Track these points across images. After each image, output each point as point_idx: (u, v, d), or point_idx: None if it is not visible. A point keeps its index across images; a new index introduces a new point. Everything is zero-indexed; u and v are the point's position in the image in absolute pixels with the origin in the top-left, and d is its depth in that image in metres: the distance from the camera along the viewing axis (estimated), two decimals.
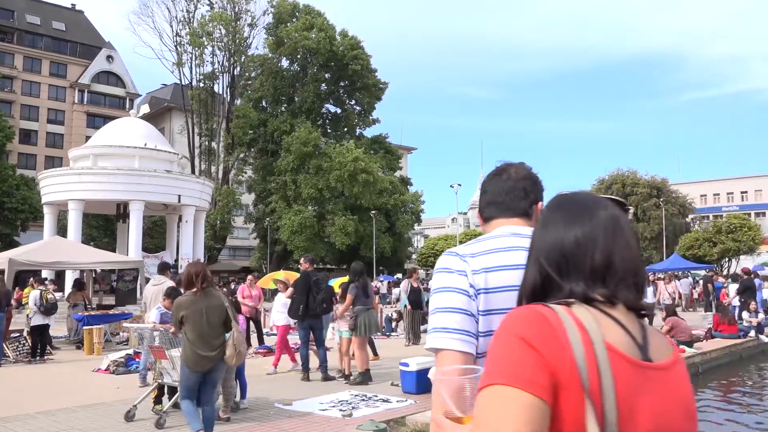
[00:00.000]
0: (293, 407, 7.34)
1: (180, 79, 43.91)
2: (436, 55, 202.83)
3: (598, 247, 1.06)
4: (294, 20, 44.66)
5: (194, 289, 5.54)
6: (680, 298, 21.09)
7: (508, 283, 1.57)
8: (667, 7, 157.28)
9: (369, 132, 50.11)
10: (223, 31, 42.49)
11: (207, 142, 43.94)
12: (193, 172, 38.73)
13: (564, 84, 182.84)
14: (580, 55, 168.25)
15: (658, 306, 19.71)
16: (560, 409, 0.92)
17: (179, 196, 25.32)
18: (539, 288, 1.08)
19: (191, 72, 43.41)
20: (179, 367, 5.86)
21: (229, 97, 44.61)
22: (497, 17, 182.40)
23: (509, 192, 1.84)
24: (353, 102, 48.47)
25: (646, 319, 1.09)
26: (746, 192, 77.38)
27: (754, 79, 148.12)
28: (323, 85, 46.67)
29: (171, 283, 9.70)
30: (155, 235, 38.19)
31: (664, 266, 35.57)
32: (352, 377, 9.16)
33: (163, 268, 11.15)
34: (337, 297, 9.92)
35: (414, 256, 60.14)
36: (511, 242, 1.70)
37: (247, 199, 50.39)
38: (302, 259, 10.00)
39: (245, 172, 46.99)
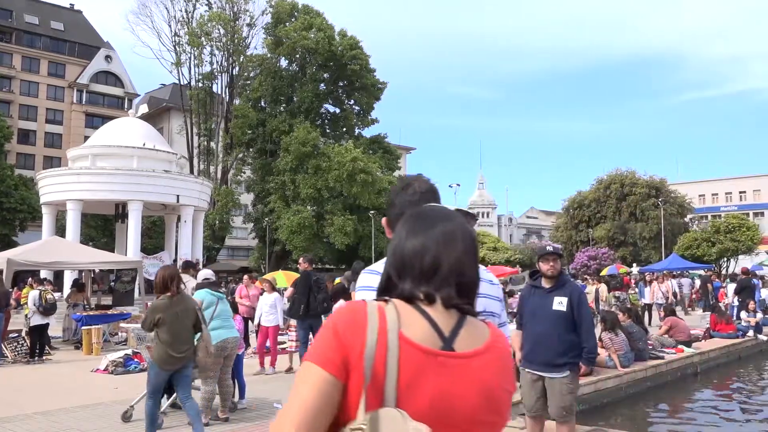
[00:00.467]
0: (281, 407, 7.33)
1: (179, 79, 43.89)
2: (435, 55, 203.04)
3: (428, 254, 1.26)
4: (293, 20, 44.64)
5: (169, 293, 5.74)
6: (675, 297, 20.87)
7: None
8: (667, 7, 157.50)
9: (368, 132, 50.14)
10: (222, 31, 42.47)
11: (206, 142, 43.94)
12: (191, 172, 38.72)
13: (563, 84, 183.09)
14: (579, 55, 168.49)
15: (651, 304, 19.64)
16: (350, 384, 1.12)
17: (178, 196, 25.29)
18: (384, 288, 1.31)
19: (190, 72, 43.42)
20: None
21: (227, 97, 44.60)
22: (496, 17, 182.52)
23: (414, 204, 2.02)
24: (352, 102, 48.45)
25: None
26: (745, 192, 77.50)
27: (753, 79, 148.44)
28: (322, 85, 46.65)
29: (194, 282, 9.45)
30: (154, 236, 38.16)
31: (662, 266, 35.58)
32: None
33: (187, 267, 11.09)
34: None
35: None
36: None
37: (246, 199, 50.38)
38: (301, 259, 10.02)
39: (244, 172, 46.98)
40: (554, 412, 5.07)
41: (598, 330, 10.72)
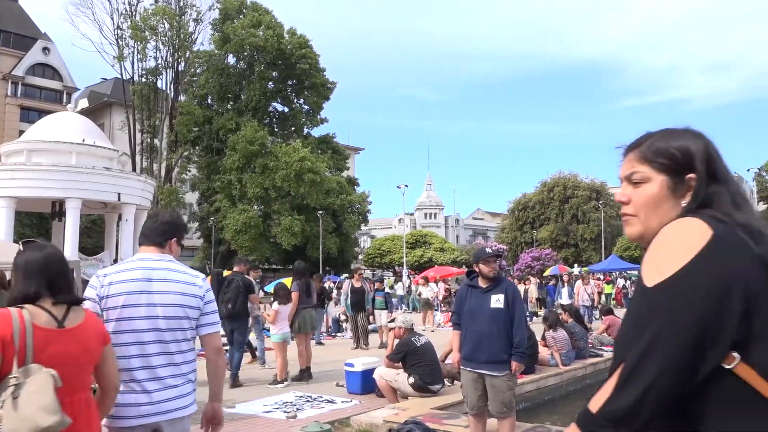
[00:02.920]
0: (236, 410, 7.23)
1: (121, 74, 42.63)
2: (385, 56, 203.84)
3: (36, 268, 2.32)
4: (241, 17, 43.99)
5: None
6: (599, 298, 20.78)
7: (123, 289, 2.67)
8: (609, 16, 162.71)
9: (316, 132, 49.92)
10: (167, 26, 41.43)
11: (149, 139, 42.77)
12: (134, 169, 37.66)
13: (511, 88, 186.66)
14: (526, 61, 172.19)
15: (567, 306, 19.05)
16: (6, 355, 2.11)
17: (119, 194, 24.54)
18: (24, 294, 2.30)
19: (133, 66, 42.21)
20: None
21: (172, 93, 43.55)
22: (447, 21, 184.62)
23: (153, 230, 2.89)
24: (301, 101, 48.13)
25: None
26: None
27: (686, 87, 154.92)
28: (270, 83, 46.16)
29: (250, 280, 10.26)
30: (93, 235, 36.95)
31: (602, 267, 36.73)
32: (292, 375, 9.14)
33: (239, 263, 11.42)
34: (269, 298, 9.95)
35: (360, 257, 60.19)
36: (135, 264, 2.80)
37: (191, 197, 49.35)
38: (235, 261, 9.99)
39: (189, 171, 46.00)
40: (494, 408, 5.18)
41: (537, 329, 10.98)
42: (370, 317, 14.46)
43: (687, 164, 1.30)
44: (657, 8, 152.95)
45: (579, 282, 18.09)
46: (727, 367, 1.15)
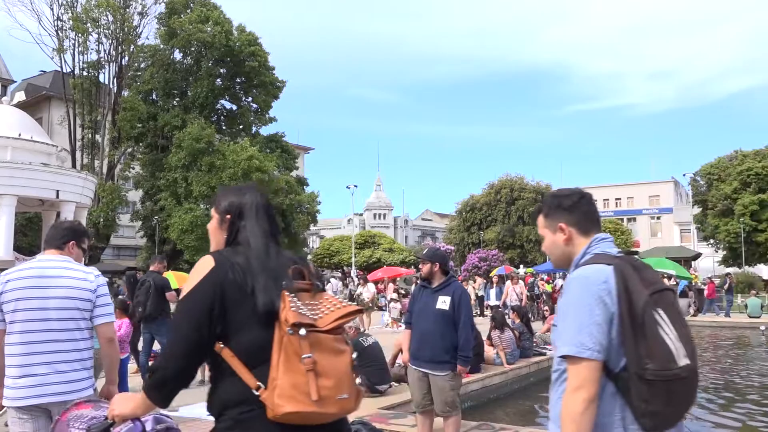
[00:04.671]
0: (179, 413, 7.08)
1: (61, 67, 40.98)
2: (336, 56, 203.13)
3: None
4: (188, 11, 43.06)
5: None
6: (526, 299, 20.93)
7: (18, 285, 3.12)
8: (556, 23, 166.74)
9: (265, 130, 49.31)
10: (111, 18, 40.13)
11: (90, 135, 41.29)
12: (74, 166, 36.35)
13: (460, 90, 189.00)
14: (476, 64, 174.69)
15: (504, 308, 18.40)
16: None
17: (57, 191, 23.64)
18: None
19: (74, 59, 40.64)
20: None
21: (115, 88, 42.19)
22: (397, 23, 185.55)
23: (54, 235, 3.42)
24: (249, 99, 47.44)
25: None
26: (620, 199, 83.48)
27: (628, 94, 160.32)
28: (218, 80, 45.34)
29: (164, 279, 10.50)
30: (29, 233, 35.49)
31: (546, 267, 37.60)
32: None
33: (154, 261, 11.35)
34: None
35: (309, 257, 59.85)
36: (31, 265, 3.27)
37: (134, 195, 47.98)
38: (151, 260, 9.71)
39: (132, 168, 44.68)
40: (438, 407, 5.24)
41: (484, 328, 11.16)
42: None
43: (227, 211, 2.09)
44: (602, 17, 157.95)
45: (508, 282, 18.25)
46: (218, 351, 1.85)
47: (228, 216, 2.06)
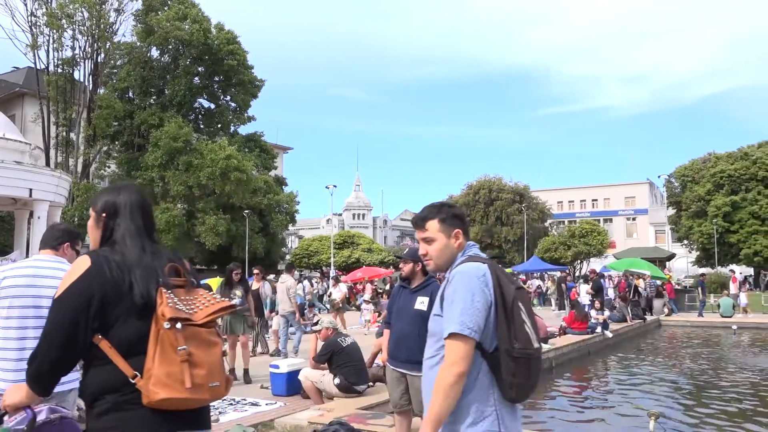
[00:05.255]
0: None
1: (35, 63, 40.25)
2: (316, 56, 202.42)
3: None
4: (165, 9, 42.59)
5: None
6: None
7: (13, 283, 3.22)
8: (536, 27, 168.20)
9: (244, 129, 49.00)
10: (86, 15, 39.53)
11: (65, 133, 40.61)
12: (47, 164, 35.75)
13: (439, 91, 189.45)
14: (456, 65, 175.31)
15: None
16: None
17: (30, 189, 23.23)
18: None
19: (48, 56, 39.92)
20: None
21: (91, 85, 41.55)
22: (378, 23, 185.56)
23: (50, 236, 3.55)
24: (228, 98, 47.10)
25: None
26: (597, 200, 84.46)
27: (604, 97, 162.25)
28: (196, 78, 44.93)
29: (293, 282, 11.39)
30: (2, 233, 34.84)
31: (524, 267, 37.92)
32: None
33: (290, 268, 13.04)
34: None
35: (288, 257, 59.61)
36: (28, 263, 3.41)
37: None
38: None
39: (108, 167, 44.05)
40: (416, 407, 5.26)
41: None
42: (269, 321, 14.14)
43: (102, 210, 2.18)
44: (579, 21, 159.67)
45: None
46: (96, 342, 1.95)
47: (104, 215, 2.16)
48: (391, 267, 46.62)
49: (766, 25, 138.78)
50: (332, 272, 40.89)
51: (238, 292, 9.48)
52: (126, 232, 2.11)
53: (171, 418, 1.93)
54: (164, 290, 1.98)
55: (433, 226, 2.49)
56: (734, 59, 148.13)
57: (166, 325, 1.90)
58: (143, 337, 1.93)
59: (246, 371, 9.22)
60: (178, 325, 1.92)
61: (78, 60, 40.68)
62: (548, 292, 31.80)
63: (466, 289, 2.27)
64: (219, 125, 47.08)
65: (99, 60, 41.37)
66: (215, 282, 19.12)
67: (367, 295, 23.71)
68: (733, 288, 24.60)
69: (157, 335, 1.92)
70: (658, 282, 25.31)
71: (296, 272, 44.50)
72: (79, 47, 40.35)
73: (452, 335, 2.23)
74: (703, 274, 30.65)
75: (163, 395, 1.87)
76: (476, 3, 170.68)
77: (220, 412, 7.01)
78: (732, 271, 32.72)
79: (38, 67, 40.27)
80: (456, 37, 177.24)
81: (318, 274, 50.19)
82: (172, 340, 1.90)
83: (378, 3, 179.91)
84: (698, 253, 53.50)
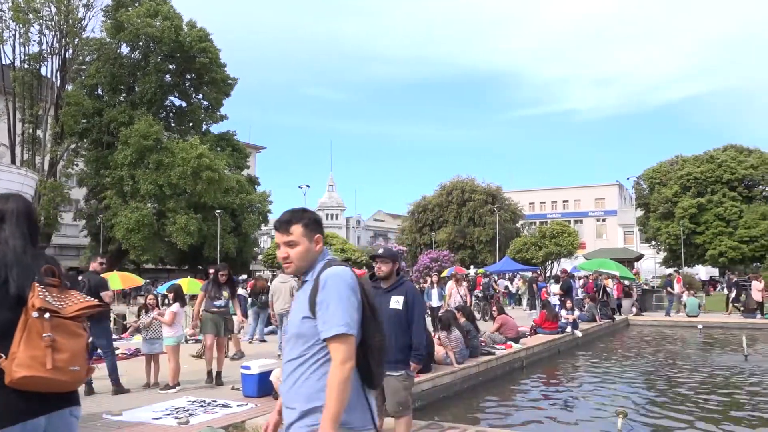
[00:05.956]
0: (123, 417, 6.89)
1: (0, 58, 39.37)
2: (289, 55, 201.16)
3: None
4: (136, 5, 41.94)
5: None
6: (471, 300, 20.37)
7: None
8: (509, 30, 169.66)
9: (216, 128, 48.55)
10: (54, 10, 38.75)
11: (31, 130, 39.72)
12: (13, 161, 34.96)
13: (413, 92, 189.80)
14: (429, 66, 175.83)
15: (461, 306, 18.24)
16: None
17: None
18: None
19: (14, 51, 39.06)
20: None
21: (58, 81, 40.73)
22: (351, 23, 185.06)
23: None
24: (200, 96, 46.59)
25: None
26: (567, 201, 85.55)
27: (575, 100, 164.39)
28: (167, 76, 44.34)
29: (295, 282, 10.53)
30: None
31: (496, 268, 38.20)
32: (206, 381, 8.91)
33: (93, 260, 12.05)
34: (170, 298, 9.51)
35: (260, 257, 59.18)
36: None
37: (78, 193, 46.46)
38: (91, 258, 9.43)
39: (76, 165, 43.21)
40: (391, 408, 5.26)
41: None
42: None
43: None
44: (550, 24, 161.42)
45: (451, 283, 17.48)
46: None
47: None
48: (365, 267, 46.56)
49: (731, 33, 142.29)
50: None
51: (226, 293, 9.27)
52: (10, 235, 2.38)
53: (33, 398, 2.15)
54: (38, 286, 2.22)
55: (297, 230, 2.56)
56: (701, 65, 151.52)
57: (35, 314, 2.15)
58: (12, 325, 2.16)
59: (219, 374, 9.07)
60: (46, 315, 2.17)
61: (45, 56, 39.86)
62: (518, 291, 32.11)
63: (343, 291, 2.42)
64: (190, 124, 46.55)
65: (67, 56, 40.58)
66: (186, 283, 18.92)
67: None
68: (677, 288, 25.01)
69: (25, 323, 2.15)
70: (626, 282, 25.75)
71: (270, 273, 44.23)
72: (47, 43, 39.56)
73: (338, 336, 2.35)
74: (669, 274, 31.25)
75: (24, 373, 2.09)
76: (449, 3, 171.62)
77: (190, 414, 6.93)
78: (677, 271, 33.39)
79: (4, 63, 39.33)
80: (430, 37, 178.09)
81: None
82: (39, 327, 2.15)
83: (352, 2, 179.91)
84: (665, 253, 54.53)
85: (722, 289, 37.44)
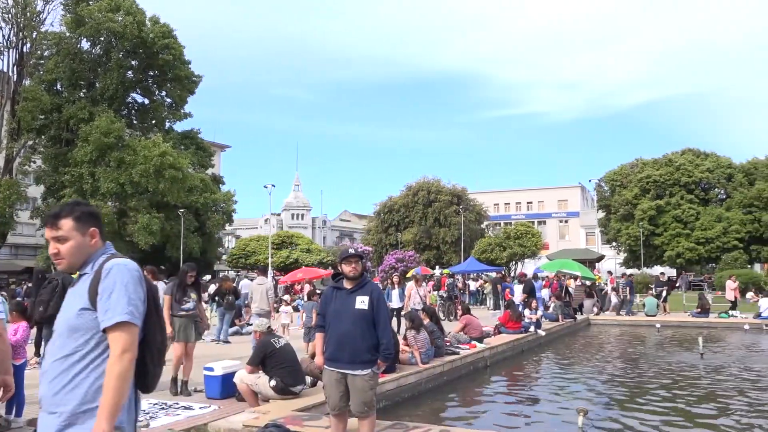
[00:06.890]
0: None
1: None
2: (255, 55, 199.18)
3: None
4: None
5: None
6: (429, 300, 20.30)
7: None
8: (475, 32, 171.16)
9: (179, 126, 47.85)
10: (11, 2, 37.64)
11: None
12: None
13: (379, 92, 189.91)
14: (396, 67, 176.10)
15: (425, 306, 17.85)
16: None
17: None
18: None
19: None
20: None
21: (15, 76, 39.59)
22: (319, 24, 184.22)
23: None
24: (163, 93, 45.81)
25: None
26: (531, 202, 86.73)
27: (541, 102, 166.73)
28: (129, 72, 43.49)
29: (271, 284, 12.44)
30: None
31: (461, 268, 38.50)
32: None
33: (264, 270, 15.02)
34: None
35: (224, 257, 58.49)
36: None
37: (35, 191, 45.22)
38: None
39: (34, 162, 42.04)
40: (356, 408, 5.26)
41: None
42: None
43: None
44: (517, 28, 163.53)
45: (411, 283, 17.21)
46: None
47: None
48: (330, 268, 46.45)
49: (690, 40, 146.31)
50: (270, 273, 40.37)
51: (194, 296, 8.55)
52: None
53: None
54: None
55: (66, 224, 2.43)
56: (661, 70, 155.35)
57: None
58: None
59: (185, 383, 8.36)
60: None
61: (1, 49, 38.71)
62: (483, 291, 32.42)
63: (127, 281, 2.32)
64: (153, 121, 45.75)
65: (24, 50, 39.47)
66: None
67: (304, 295, 23.51)
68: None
69: None
70: (588, 282, 26.25)
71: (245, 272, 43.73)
72: (3, 36, 38.45)
73: (120, 324, 2.23)
74: (630, 275, 31.92)
75: None
76: (416, 6, 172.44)
77: (150, 417, 6.80)
78: (609, 272, 34.24)
79: None
80: (396, 39, 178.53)
81: (255, 275, 49.43)
82: None
83: (320, 3, 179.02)
84: (626, 254, 55.74)
85: (679, 288, 38.43)
